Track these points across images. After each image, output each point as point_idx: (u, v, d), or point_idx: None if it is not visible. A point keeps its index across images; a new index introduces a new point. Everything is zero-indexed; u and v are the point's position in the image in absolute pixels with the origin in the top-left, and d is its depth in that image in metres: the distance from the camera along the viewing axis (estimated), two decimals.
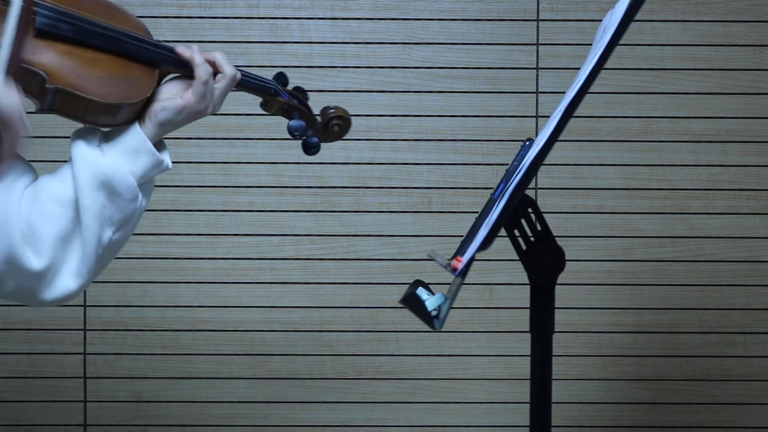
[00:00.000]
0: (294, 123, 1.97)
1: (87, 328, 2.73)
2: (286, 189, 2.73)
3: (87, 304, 2.71)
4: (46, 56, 1.74)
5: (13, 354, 2.73)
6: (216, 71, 1.85)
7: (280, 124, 2.72)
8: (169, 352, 2.74)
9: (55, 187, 1.80)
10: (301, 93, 2.00)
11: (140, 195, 1.82)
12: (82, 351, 2.73)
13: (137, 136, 1.80)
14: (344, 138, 2.02)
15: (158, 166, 1.82)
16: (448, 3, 2.72)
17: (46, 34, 1.75)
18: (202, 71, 1.82)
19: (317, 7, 2.72)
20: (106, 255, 1.82)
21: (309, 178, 2.73)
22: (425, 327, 1.70)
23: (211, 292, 2.73)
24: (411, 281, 1.76)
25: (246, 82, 1.91)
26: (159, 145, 1.84)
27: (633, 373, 2.76)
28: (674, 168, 2.74)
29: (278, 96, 1.96)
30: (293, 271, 2.74)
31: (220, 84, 1.85)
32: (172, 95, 1.82)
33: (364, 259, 2.74)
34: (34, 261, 1.78)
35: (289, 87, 2.00)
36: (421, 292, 1.71)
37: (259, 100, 1.97)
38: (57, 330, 2.72)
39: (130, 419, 2.74)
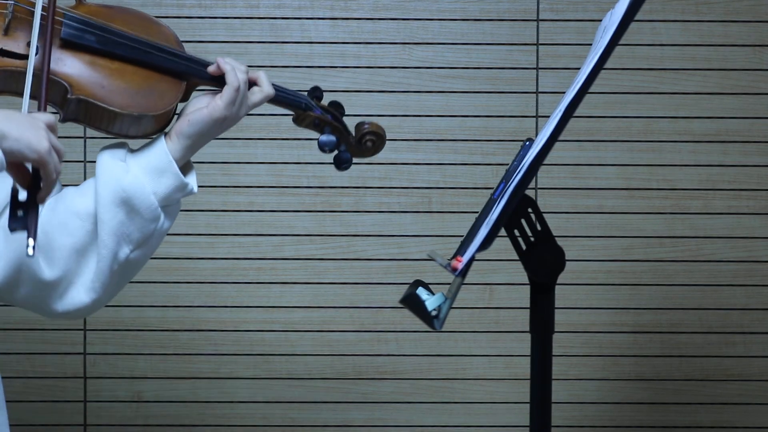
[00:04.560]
0: (324, 138, 1.91)
1: (87, 328, 2.73)
2: (286, 189, 2.73)
3: None
4: (70, 66, 1.76)
5: (13, 354, 2.73)
6: (253, 84, 1.83)
7: (280, 124, 2.73)
8: (169, 352, 2.74)
9: (76, 199, 1.79)
10: (335, 108, 1.94)
11: (162, 216, 1.79)
12: (82, 351, 2.73)
13: (163, 156, 1.77)
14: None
15: (182, 189, 1.79)
16: (448, 3, 2.72)
17: (71, 44, 1.76)
18: (232, 77, 1.79)
19: (317, 7, 2.72)
20: (123, 273, 1.80)
21: (309, 178, 2.73)
22: (425, 327, 1.70)
23: (211, 292, 2.73)
24: (411, 281, 1.76)
25: (278, 97, 1.87)
26: (186, 167, 1.82)
27: (633, 373, 2.76)
28: (674, 168, 2.74)
29: (310, 110, 1.92)
30: (293, 271, 2.74)
31: (254, 97, 1.83)
32: (197, 108, 1.79)
33: (364, 259, 2.74)
34: (47, 270, 1.77)
35: (325, 102, 1.95)
36: (421, 292, 1.71)
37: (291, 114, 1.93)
38: (57, 330, 2.72)
39: (130, 419, 2.74)
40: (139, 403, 2.74)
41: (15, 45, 1.72)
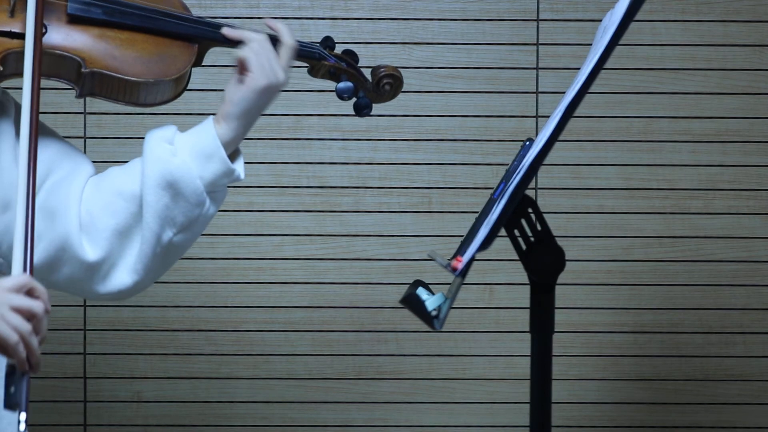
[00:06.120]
0: (341, 85, 1.92)
1: (87, 328, 2.73)
2: (286, 189, 2.73)
3: (87, 304, 2.71)
4: (81, 41, 1.77)
5: None
6: (277, 41, 1.82)
7: (280, 124, 2.73)
8: (169, 352, 2.74)
9: (122, 180, 1.79)
10: (349, 55, 1.96)
11: (207, 201, 1.79)
12: (82, 351, 2.73)
13: (211, 141, 1.77)
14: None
15: (229, 175, 1.79)
16: (448, 3, 2.72)
17: (78, 19, 1.78)
18: (247, 51, 1.79)
19: (317, 7, 2.72)
20: (165, 256, 1.79)
21: (309, 178, 2.73)
22: (425, 327, 1.70)
23: (211, 292, 2.73)
24: (411, 281, 1.76)
25: None
26: (235, 154, 1.82)
27: (633, 373, 2.76)
28: (674, 168, 2.74)
29: (324, 60, 1.92)
30: (293, 271, 2.74)
31: (283, 53, 1.81)
32: (236, 88, 1.79)
33: (364, 259, 2.74)
34: (90, 252, 1.77)
35: (338, 51, 1.96)
36: (421, 292, 1.71)
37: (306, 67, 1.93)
38: (57, 330, 2.72)
39: (130, 419, 2.74)
40: (139, 403, 2.74)
41: (21, 26, 1.73)
